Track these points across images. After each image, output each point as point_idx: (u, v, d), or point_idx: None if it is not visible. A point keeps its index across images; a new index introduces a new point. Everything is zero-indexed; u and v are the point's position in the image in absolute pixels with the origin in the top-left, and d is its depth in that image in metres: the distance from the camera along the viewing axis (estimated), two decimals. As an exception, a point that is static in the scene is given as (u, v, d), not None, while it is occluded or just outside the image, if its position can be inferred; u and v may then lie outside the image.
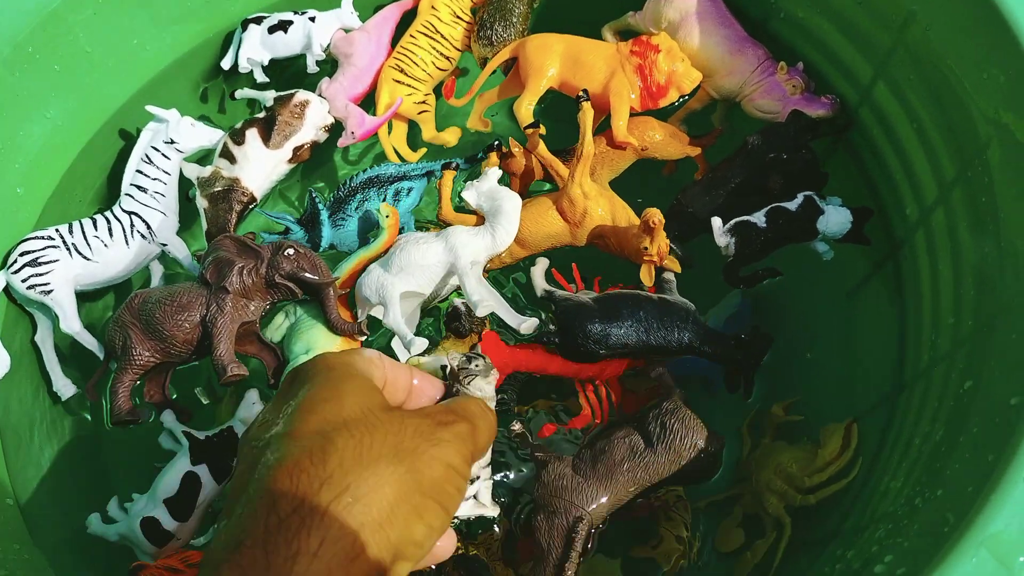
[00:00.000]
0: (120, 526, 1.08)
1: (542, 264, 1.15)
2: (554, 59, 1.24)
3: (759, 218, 1.13)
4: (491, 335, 1.10)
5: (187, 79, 1.41)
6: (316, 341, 1.09)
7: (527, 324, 1.06)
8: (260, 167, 1.27)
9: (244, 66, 1.36)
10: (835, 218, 1.13)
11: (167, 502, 1.05)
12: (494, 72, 1.31)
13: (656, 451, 1.01)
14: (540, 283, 1.13)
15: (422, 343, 1.05)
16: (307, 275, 1.08)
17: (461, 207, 1.19)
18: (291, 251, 1.08)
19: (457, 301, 1.11)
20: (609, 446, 1.02)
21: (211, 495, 1.08)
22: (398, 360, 0.64)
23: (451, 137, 1.34)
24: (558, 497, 1.00)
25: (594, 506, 1.00)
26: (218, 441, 1.09)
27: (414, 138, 1.35)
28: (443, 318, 1.13)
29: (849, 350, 1.18)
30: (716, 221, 1.14)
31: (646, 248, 1.08)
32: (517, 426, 1.08)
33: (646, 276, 1.10)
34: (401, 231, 1.21)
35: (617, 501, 1.01)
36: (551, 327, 1.10)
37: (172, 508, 1.05)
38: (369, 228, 1.23)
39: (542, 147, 1.17)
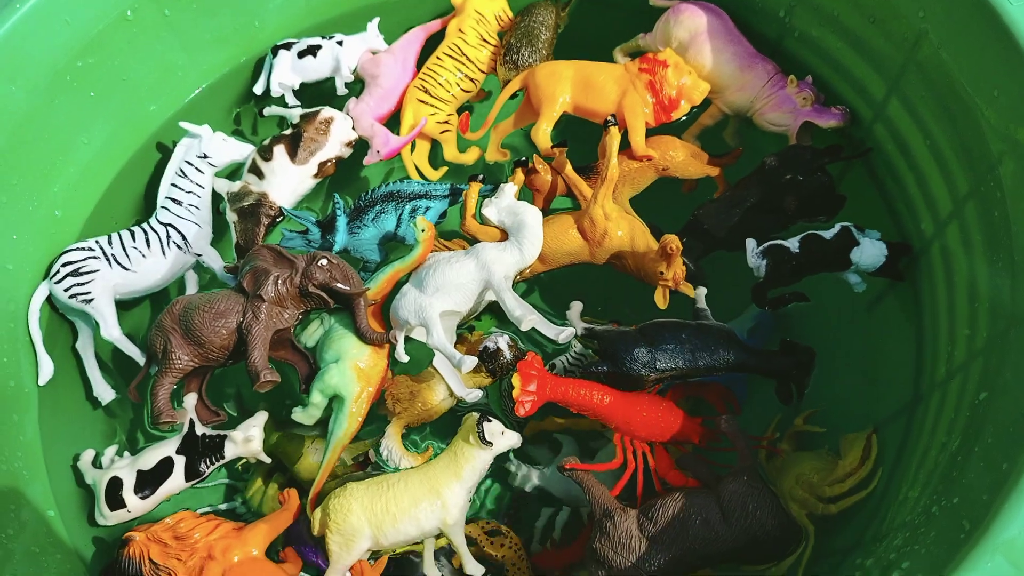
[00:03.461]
0: (96, 473, 1.14)
1: (577, 306, 1.15)
2: (565, 85, 1.26)
3: (793, 243, 1.14)
4: (534, 357, 1.08)
5: (220, 103, 1.46)
6: (347, 349, 1.11)
7: (565, 334, 1.06)
8: (287, 182, 1.31)
9: (276, 90, 1.40)
10: (870, 251, 1.13)
11: (139, 472, 1.11)
12: (513, 96, 1.34)
13: (731, 530, 0.97)
14: (578, 323, 1.12)
15: (472, 361, 1.06)
16: (339, 285, 1.11)
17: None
18: (324, 262, 1.11)
19: (500, 341, 1.11)
20: (683, 514, 0.98)
21: (174, 488, 1.12)
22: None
23: (471, 157, 1.37)
24: (622, 556, 0.98)
25: (656, 572, 0.98)
26: (207, 442, 1.13)
27: (435, 157, 1.38)
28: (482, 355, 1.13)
29: (868, 362, 1.19)
30: (750, 242, 1.15)
31: (662, 273, 1.10)
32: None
33: (660, 299, 1.12)
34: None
35: (676, 568, 0.99)
36: (596, 361, 1.09)
37: (139, 480, 1.11)
38: (382, 238, 1.26)
39: (568, 167, 1.19)
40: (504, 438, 1.05)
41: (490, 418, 1.05)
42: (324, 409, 1.12)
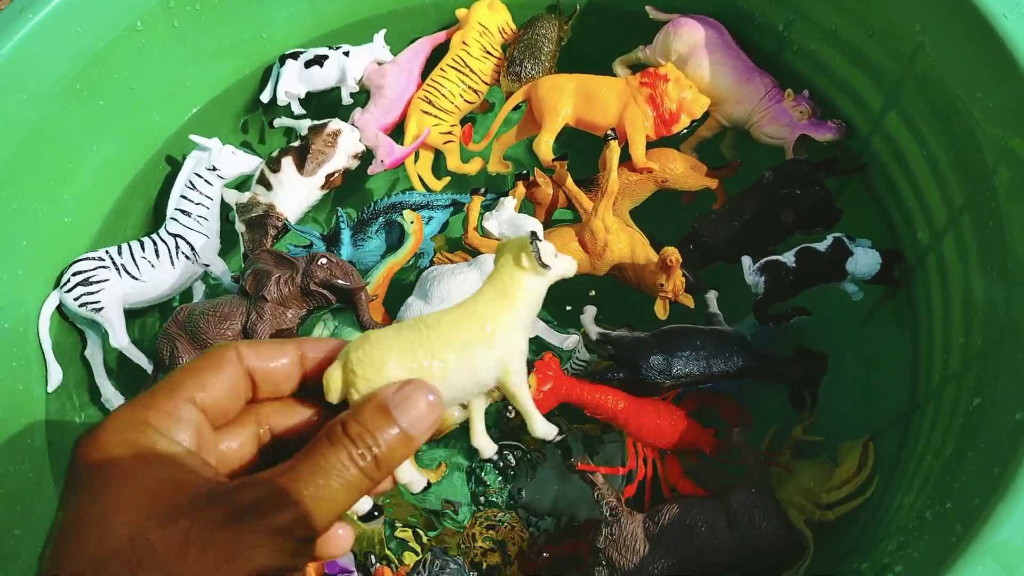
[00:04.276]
0: None
1: (591, 310, 1.15)
2: (567, 98, 1.28)
3: (789, 258, 1.15)
4: (551, 358, 1.08)
5: (228, 112, 1.49)
6: None
7: (570, 341, 1.08)
8: (294, 193, 1.33)
9: (282, 99, 1.42)
10: (864, 260, 1.14)
11: None
12: (516, 109, 1.35)
13: (737, 540, 0.98)
14: (592, 328, 1.13)
15: None
16: (340, 281, 1.13)
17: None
18: (324, 260, 1.14)
19: None
20: (690, 521, 0.99)
21: None
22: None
23: (474, 168, 1.38)
24: (626, 558, 0.99)
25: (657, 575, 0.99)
26: None
27: (438, 167, 1.40)
28: None
29: (865, 371, 1.20)
30: (746, 260, 1.16)
31: (662, 284, 1.12)
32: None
33: (660, 310, 1.13)
34: (421, 258, 1.25)
35: (678, 573, 0.99)
36: (613, 367, 1.10)
37: None
38: (386, 249, 1.28)
39: (569, 180, 1.21)
40: (560, 261, 0.79)
41: (540, 237, 0.90)
42: None
